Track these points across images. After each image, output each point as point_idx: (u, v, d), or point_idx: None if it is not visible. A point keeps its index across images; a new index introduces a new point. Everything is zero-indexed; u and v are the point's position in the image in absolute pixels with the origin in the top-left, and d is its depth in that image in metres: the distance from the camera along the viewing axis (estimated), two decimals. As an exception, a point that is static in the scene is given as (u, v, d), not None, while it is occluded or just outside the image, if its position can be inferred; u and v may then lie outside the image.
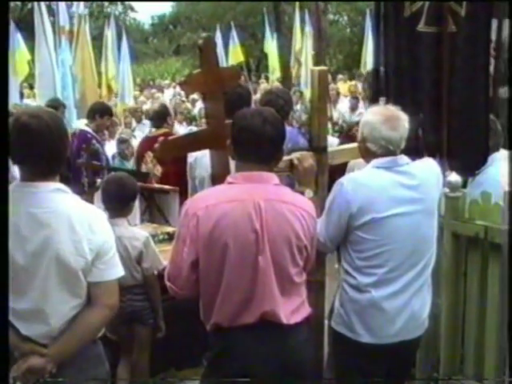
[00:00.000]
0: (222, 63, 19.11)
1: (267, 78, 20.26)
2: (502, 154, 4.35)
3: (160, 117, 6.16)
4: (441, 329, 3.80)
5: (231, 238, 2.53)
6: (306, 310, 2.73)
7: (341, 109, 12.73)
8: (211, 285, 2.60)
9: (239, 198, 2.57)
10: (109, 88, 16.72)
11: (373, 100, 4.34)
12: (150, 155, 5.55)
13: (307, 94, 12.78)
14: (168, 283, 2.68)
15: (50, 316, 2.40)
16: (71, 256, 2.37)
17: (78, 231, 2.38)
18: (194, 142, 3.77)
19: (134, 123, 11.71)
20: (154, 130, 6.38)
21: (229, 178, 2.68)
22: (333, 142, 8.23)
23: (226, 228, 2.53)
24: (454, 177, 3.68)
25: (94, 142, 6.42)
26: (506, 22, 4.38)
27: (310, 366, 2.73)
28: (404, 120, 2.95)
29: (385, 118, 2.95)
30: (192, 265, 2.59)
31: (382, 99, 4.14)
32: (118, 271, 2.52)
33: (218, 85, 3.68)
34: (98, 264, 2.44)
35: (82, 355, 2.48)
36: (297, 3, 18.07)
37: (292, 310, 2.64)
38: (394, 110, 3.00)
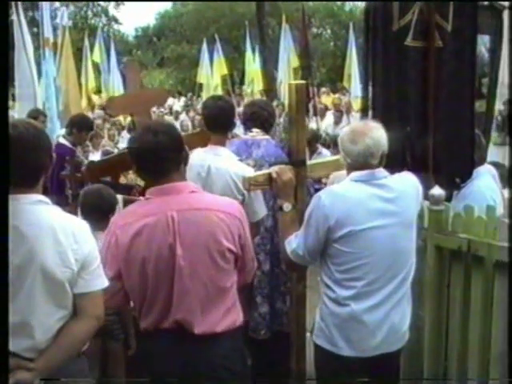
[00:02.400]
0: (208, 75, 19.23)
1: (252, 91, 20.31)
2: (487, 167, 4.39)
3: None
4: (424, 341, 3.81)
5: (147, 254, 2.61)
6: (231, 320, 2.75)
7: (325, 122, 12.78)
8: (137, 295, 2.71)
9: (152, 213, 2.65)
10: (89, 99, 16.71)
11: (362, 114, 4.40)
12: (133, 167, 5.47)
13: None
14: None
15: (36, 329, 2.37)
16: (57, 268, 2.36)
17: (62, 242, 2.36)
18: (122, 162, 3.74)
19: (117, 136, 11.69)
20: None
21: (146, 194, 2.76)
22: (327, 153, 8.28)
23: (141, 245, 2.62)
24: (437, 190, 3.69)
25: (78, 153, 6.41)
26: (482, 37, 4.44)
27: (231, 378, 2.73)
28: (369, 138, 2.94)
29: (349, 131, 3.03)
30: (113, 279, 2.66)
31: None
32: (103, 281, 2.52)
33: (143, 105, 3.76)
34: (83, 275, 2.43)
35: (66, 370, 2.45)
36: (283, 17, 18.14)
37: (214, 320, 2.68)
38: (368, 126, 3.03)
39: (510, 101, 4.10)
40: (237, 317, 2.78)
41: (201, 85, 20.50)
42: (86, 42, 18.13)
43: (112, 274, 2.65)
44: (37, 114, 7.59)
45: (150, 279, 2.63)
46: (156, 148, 2.64)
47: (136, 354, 2.82)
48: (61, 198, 5.76)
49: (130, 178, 5.53)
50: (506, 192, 4.40)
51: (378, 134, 2.97)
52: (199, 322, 2.64)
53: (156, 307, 2.66)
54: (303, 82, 3.60)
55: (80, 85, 15.75)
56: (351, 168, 3.02)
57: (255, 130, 4.34)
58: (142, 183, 5.36)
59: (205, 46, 19.98)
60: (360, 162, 2.96)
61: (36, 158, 2.41)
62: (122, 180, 5.54)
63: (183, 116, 16.73)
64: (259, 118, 4.38)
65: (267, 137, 4.37)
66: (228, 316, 2.73)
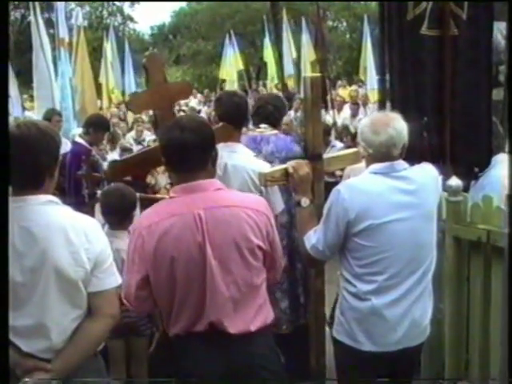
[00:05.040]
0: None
1: (265, 86, 20.34)
2: (505, 155, 4.33)
3: None
4: (445, 334, 3.77)
5: (176, 254, 2.54)
6: (263, 318, 2.69)
7: (342, 115, 12.73)
8: (165, 299, 2.62)
9: (179, 213, 2.57)
10: (110, 99, 16.81)
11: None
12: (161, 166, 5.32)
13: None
14: (124, 301, 2.69)
15: (51, 330, 2.37)
16: (70, 267, 2.35)
17: (74, 242, 2.36)
18: (148, 159, 3.68)
19: (145, 132, 11.71)
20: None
21: (171, 192, 2.69)
22: (340, 146, 8.28)
23: (168, 245, 2.54)
24: (455, 181, 3.65)
25: (94, 152, 6.44)
26: (498, 24, 4.38)
27: (270, 377, 2.67)
28: (392, 128, 2.90)
29: (370, 122, 2.97)
30: (141, 282, 2.60)
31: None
32: (116, 279, 2.52)
33: (167, 101, 3.66)
34: (96, 273, 2.42)
35: (84, 368, 2.45)
36: (284, 11, 18.18)
37: (247, 319, 2.63)
38: (388, 117, 2.99)
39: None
40: (268, 314, 2.73)
41: (222, 81, 20.46)
42: (105, 42, 18.21)
43: (140, 277, 2.59)
44: (51, 115, 7.64)
45: (180, 280, 2.55)
46: (181, 145, 2.57)
47: (167, 360, 2.76)
48: (78, 197, 5.80)
49: (159, 178, 5.46)
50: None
51: (400, 125, 2.93)
52: (233, 322, 2.58)
53: (187, 310, 2.58)
54: (318, 74, 3.55)
55: (100, 84, 15.88)
56: (372, 160, 2.96)
57: (262, 125, 4.30)
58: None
59: (227, 41, 19.90)
60: (382, 153, 2.91)
61: (38, 159, 2.39)
62: (150, 180, 5.48)
63: (203, 113, 16.74)
64: (263, 112, 4.32)
65: (275, 131, 4.31)
66: (260, 314, 2.68)
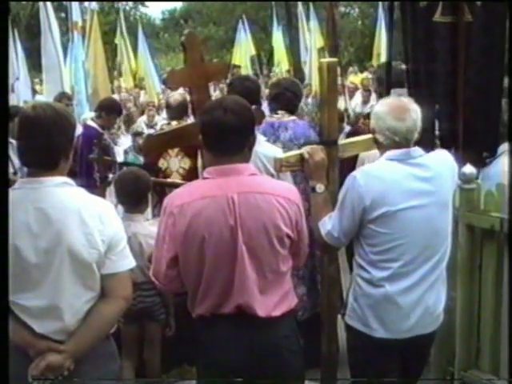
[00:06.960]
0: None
1: (280, 72, 20.24)
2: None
3: (182, 108, 5.51)
4: (456, 322, 3.75)
5: (207, 235, 2.55)
6: (288, 303, 2.71)
7: (353, 101, 12.66)
8: (192, 279, 2.63)
9: (212, 194, 2.58)
10: (134, 78, 16.91)
11: (386, 92, 4.32)
12: (174, 149, 5.24)
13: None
14: (153, 278, 2.72)
15: (65, 311, 2.39)
16: (84, 249, 2.36)
17: (88, 223, 2.37)
18: (181, 136, 3.70)
19: (157, 116, 11.69)
20: (174, 122, 5.43)
21: (204, 173, 2.68)
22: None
23: (200, 226, 2.55)
24: (469, 168, 3.61)
25: (105, 136, 6.45)
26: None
27: (291, 362, 2.70)
28: (413, 111, 2.88)
29: (391, 108, 2.91)
30: (171, 261, 2.62)
31: (396, 90, 4.10)
32: (130, 262, 2.53)
33: (203, 79, 3.70)
34: (110, 255, 2.44)
35: (96, 351, 2.47)
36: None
37: (273, 303, 2.64)
38: (404, 101, 2.95)
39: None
40: (292, 300, 2.76)
41: (234, 66, 20.38)
42: (122, 24, 18.18)
43: (170, 256, 2.61)
44: (60, 98, 7.64)
45: (208, 261, 2.57)
46: (222, 126, 2.57)
47: (191, 342, 2.77)
48: (89, 181, 5.81)
49: (172, 161, 5.40)
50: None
51: (416, 108, 2.91)
52: (260, 306, 2.60)
53: (214, 291, 2.60)
54: (335, 60, 3.51)
55: (119, 64, 15.95)
56: (390, 147, 2.92)
57: (280, 111, 4.26)
58: (186, 165, 5.25)
59: (240, 26, 19.75)
60: (408, 139, 2.88)
61: (53, 140, 2.39)
62: (162, 163, 5.43)
63: (212, 98, 16.66)
64: (283, 99, 4.28)
65: (293, 118, 4.28)
66: (285, 300, 2.70)
